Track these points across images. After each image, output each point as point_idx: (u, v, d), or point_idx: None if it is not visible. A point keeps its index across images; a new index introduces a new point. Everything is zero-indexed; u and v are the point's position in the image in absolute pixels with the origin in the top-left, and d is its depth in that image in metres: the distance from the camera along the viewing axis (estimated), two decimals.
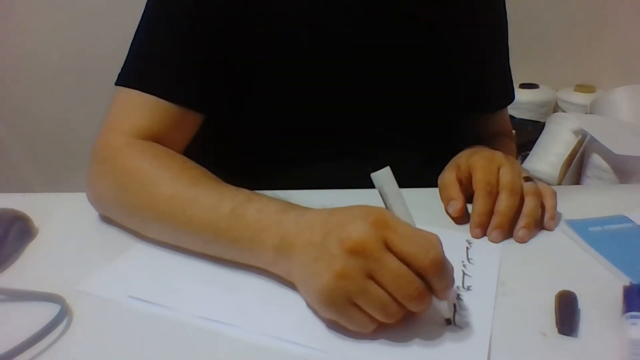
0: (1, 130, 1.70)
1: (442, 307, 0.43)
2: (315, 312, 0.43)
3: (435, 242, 0.40)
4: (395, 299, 0.39)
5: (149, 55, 0.62)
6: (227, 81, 0.63)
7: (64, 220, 0.60)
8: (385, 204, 0.43)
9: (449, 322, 0.43)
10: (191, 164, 0.57)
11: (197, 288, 0.48)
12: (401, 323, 0.41)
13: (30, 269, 0.52)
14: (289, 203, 0.48)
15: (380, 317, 0.40)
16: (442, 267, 0.40)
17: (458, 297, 0.46)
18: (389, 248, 0.40)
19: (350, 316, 0.40)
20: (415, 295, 0.39)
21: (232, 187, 0.52)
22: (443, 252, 0.40)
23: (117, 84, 0.61)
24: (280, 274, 0.47)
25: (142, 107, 0.59)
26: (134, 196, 0.54)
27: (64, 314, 0.43)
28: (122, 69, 0.62)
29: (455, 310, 0.44)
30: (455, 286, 0.44)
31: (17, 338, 0.40)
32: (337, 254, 0.40)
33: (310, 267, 0.42)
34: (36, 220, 0.58)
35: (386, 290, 0.39)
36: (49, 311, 0.43)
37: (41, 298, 0.45)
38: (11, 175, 1.69)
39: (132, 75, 0.61)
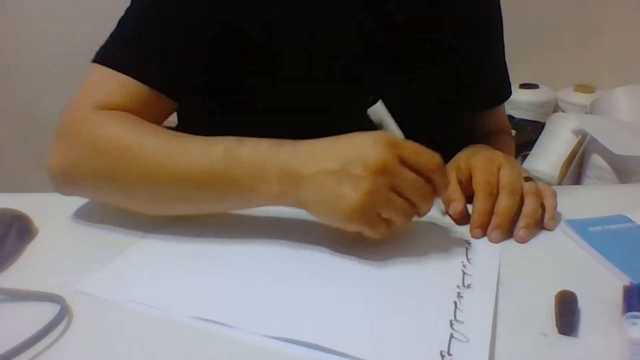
0: (1, 130, 1.70)
1: (438, 203, 0.56)
2: (335, 228, 0.49)
3: (434, 152, 0.49)
4: (410, 203, 0.49)
5: (130, 37, 0.61)
6: (208, 74, 0.62)
7: (64, 220, 0.60)
8: (385, 129, 0.54)
9: (444, 213, 0.57)
10: (167, 128, 0.56)
11: (196, 288, 0.48)
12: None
13: (30, 269, 0.52)
14: (277, 139, 0.51)
15: (400, 220, 0.49)
16: (445, 167, 0.50)
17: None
18: (403, 163, 0.47)
19: (375, 226, 0.48)
20: (429, 195, 0.49)
21: (217, 136, 0.53)
22: None
23: (93, 60, 0.60)
24: (287, 204, 0.51)
25: (114, 85, 0.58)
26: (115, 159, 0.53)
27: (64, 314, 0.43)
28: (101, 47, 0.61)
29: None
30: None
31: (17, 338, 0.40)
32: (364, 176, 0.46)
33: (334, 191, 0.47)
34: (36, 220, 0.58)
35: (405, 197, 0.48)
36: (49, 311, 0.43)
37: (41, 298, 0.45)
38: (11, 175, 1.69)
39: (110, 54, 0.60)
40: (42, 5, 1.59)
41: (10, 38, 1.62)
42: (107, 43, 0.61)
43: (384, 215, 0.48)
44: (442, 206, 0.55)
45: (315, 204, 0.49)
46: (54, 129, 0.58)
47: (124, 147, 0.53)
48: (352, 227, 0.49)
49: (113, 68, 0.58)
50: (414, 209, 0.49)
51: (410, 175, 0.48)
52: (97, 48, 0.61)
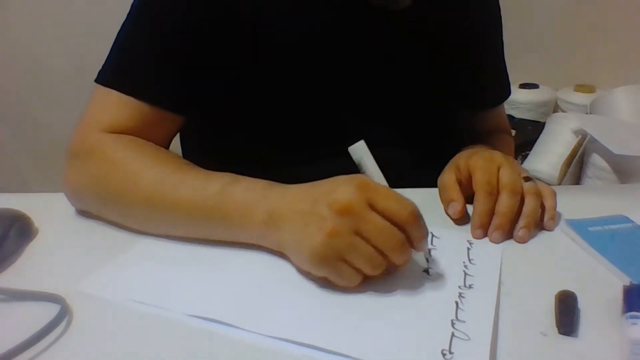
0: (1, 130, 1.70)
1: (419, 258, 0.49)
2: (306, 274, 0.48)
3: (410, 200, 0.46)
4: (379, 252, 0.44)
5: (130, 55, 0.62)
6: (211, 83, 0.63)
7: (64, 220, 0.60)
8: (364, 172, 0.50)
9: (426, 272, 0.49)
10: (173, 153, 0.59)
11: (196, 287, 0.48)
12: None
13: (30, 269, 0.52)
14: (272, 182, 0.52)
15: (367, 270, 0.45)
16: (419, 218, 0.45)
17: (429, 251, 0.52)
18: (372, 207, 0.44)
19: (340, 271, 0.45)
20: (398, 245, 0.45)
21: (217, 172, 0.55)
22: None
23: (96, 81, 0.61)
24: (269, 246, 0.51)
25: (119, 107, 0.59)
26: (118, 183, 0.55)
27: (64, 314, 0.43)
28: (102, 66, 0.62)
29: (429, 261, 0.50)
30: (428, 238, 0.48)
31: (17, 338, 0.40)
32: (327, 216, 0.44)
33: (301, 233, 0.46)
34: (36, 220, 0.58)
35: (372, 245, 0.44)
36: (49, 311, 0.43)
37: (41, 298, 0.45)
38: (11, 175, 1.69)
39: (112, 74, 0.61)
40: (42, 6, 1.59)
41: (10, 38, 1.62)
42: (107, 62, 0.62)
43: (353, 261, 0.45)
44: (426, 263, 0.49)
45: (288, 245, 0.49)
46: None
47: (127, 174, 0.55)
48: (318, 272, 0.46)
49: (114, 89, 0.59)
50: (384, 258, 0.45)
51: (377, 220, 0.44)
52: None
